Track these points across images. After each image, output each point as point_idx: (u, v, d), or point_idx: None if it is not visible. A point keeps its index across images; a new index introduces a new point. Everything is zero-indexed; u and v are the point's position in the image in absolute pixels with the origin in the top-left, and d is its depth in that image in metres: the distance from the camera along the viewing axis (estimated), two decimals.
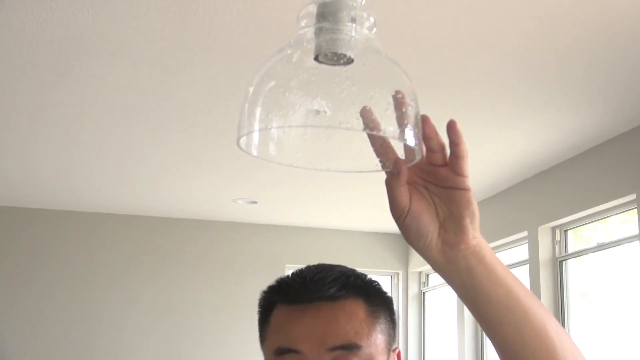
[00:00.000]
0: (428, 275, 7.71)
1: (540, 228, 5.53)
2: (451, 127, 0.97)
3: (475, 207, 1.01)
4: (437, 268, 1.03)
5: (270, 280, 1.39)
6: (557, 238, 5.55)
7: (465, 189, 0.99)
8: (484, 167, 5.43)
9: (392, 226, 7.35)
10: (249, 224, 7.43)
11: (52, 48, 3.64)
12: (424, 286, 7.80)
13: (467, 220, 1.00)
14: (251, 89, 0.96)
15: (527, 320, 1.03)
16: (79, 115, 4.59)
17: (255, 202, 6.66)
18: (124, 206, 7.00)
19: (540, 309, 1.06)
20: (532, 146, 5.02)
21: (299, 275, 1.32)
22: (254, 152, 0.99)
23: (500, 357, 1.07)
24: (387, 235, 7.68)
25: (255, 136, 0.99)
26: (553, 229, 5.55)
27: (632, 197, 4.61)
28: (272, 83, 0.95)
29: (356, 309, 1.29)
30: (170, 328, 7.13)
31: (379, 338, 1.30)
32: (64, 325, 6.91)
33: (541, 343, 1.04)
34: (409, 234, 1.02)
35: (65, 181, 6.17)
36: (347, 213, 7.04)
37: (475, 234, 1.01)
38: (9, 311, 6.84)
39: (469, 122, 4.56)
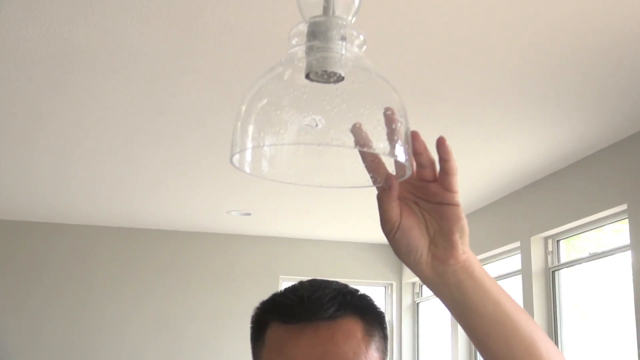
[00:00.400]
0: (422, 286, 7.72)
1: (532, 238, 5.55)
2: (440, 144, 0.98)
3: (464, 223, 1.02)
4: (426, 282, 1.05)
5: (264, 291, 1.39)
6: (550, 248, 5.56)
7: (455, 205, 1.01)
8: (476, 177, 5.45)
9: (385, 236, 7.37)
10: (243, 235, 7.44)
11: (48, 62, 3.65)
12: (418, 297, 7.81)
13: (457, 236, 1.02)
14: (243, 107, 0.97)
15: (515, 333, 1.05)
16: (74, 128, 4.60)
17: (249, 214, 6.67)
18: (119, 219, 7.01)
19: (529, 322, 1.08)
20: (524, 157, 5.04)
21: (295, 293, 1.32)
22: (247, 170, 1.01)
23: None
24: (381, 246, 7.69)
25: (248, 154, 1.01)
26: (545, 239, 5.57)
27: (624, 207, 4.64)
28: (264, 101, 0.96)
29: (353, 329, 1.29)
30: (167, 339, 7.14)
31: (374, 356, 1.31)
32: (62, 337, 6.92)
33: (530, 356, 1.05)
34: (399, 248, 1.04)
35: (60, 194, 6.18)
36: (340, 224, 7.05)
37: (464, 249, 1.03)
38: (8, 324, 6.82)
39: (461, 133, 4.58)
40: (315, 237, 7.52)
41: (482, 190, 5.77)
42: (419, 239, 1.02)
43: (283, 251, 7.53)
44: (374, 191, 1.05)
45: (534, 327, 1.08)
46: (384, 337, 1.36)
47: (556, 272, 5.53)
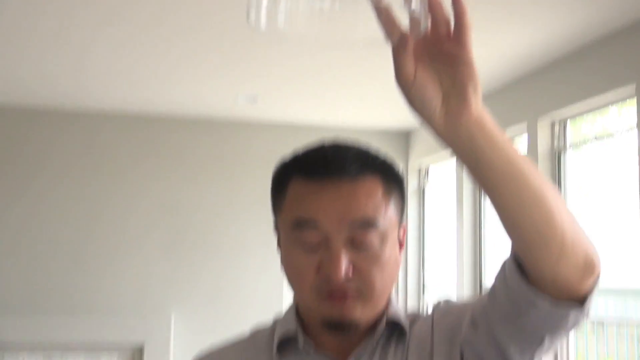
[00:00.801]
0: (428, 169, 7.75)
1: (539, 120, 5.55)
2: (456, 1, 1.00)
3: (477, 79, 1.05)
4: (440, 137, 1.08)
5: (268, 178, 1.43)
6: (556, 130, 5.58)
7: (469, 61, 1.04)
8: (484, 60, 5.42)
9: (392, 123, 7.38)
10: (250, 123, 7.44)
11: None
12: (424, 180, 7.82)
13: (470, 91, 1.05)
14: None
15: (526, 186, 1.09)
16: (71, 14, 4.56)
17: (256, 100, 6.66)
18: (125, 106, 6.99)
19: (540, 177, 1.11)
20: (533, 40, 5.00)
21: (319, 151, 1.38)
22: (263, 27, 1.02)
23: (501, 222, 1.13)
24: (387, 132, 7.70)
25: (263, 11, 1.01)
26: (552, 120, 5.58)
27: (632, 86, 4.63)
28: None
29: (375, 187, 1.34)
30: (172, 227, 7.21)
31: (392, 214, 1.36)
32: (64, 225, 6.97)
33: (539, 208, 1.09)
34: (414, 103, 1.06)
35: (66, 79, 6.14)
36: (347, 110, 7.05)
37: (477, 104, 1.06)
38: (9, 212, 6.89)
39: (471, 14, 4.53)
40: (322, 124, 7.51)
41: (489, 73, 5.74)
42: (433, 94, 1.05)
43: (290, 139, 7.52)
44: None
45: (545, 183, 1.12)
46: (402, 199, 1.41)
47: (562, 154, 5.56)
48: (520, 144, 5.98)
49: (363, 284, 1.30)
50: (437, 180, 7.62)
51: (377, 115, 7.09)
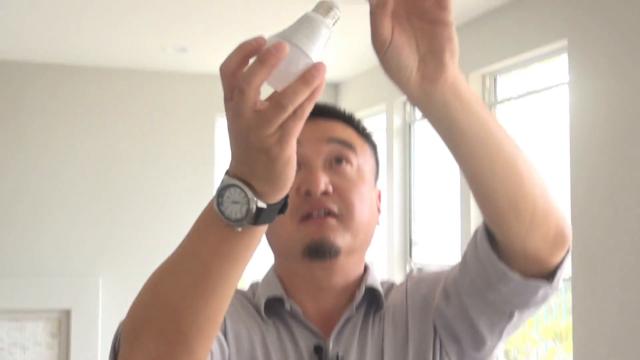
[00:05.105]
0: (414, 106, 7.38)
1: (470, 74, 5.57)
2: None
3: (456, 44, 1.04)
4: (414, 101, 1.06)
5: (201, 131, 1.43)
6: (487, 84, 5.62)
7: (448, 23, 1.02)
8: None
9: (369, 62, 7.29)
10: (178, 72, 7.29)
11: None
12: (410, 117, 7.00)
13: (447, 56, 1.03)
14: None
15: (499, 153, 1.08)
16: None
17: (184, 50, 6.52)
18: (51, 56, 6.76)
19: (513, 145, 1.11)
20: None
21: None
22: None
23: (471, 189, 1.12)
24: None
25: None
26: (483, 75, 5.61)
27: (564, 42, 4.67)
28: None
29: (349, 129, 1.42)
30: (100, 183, 7.03)
31: (368, 159, 1.40)
32: None
33: (512, 174, 1.09)
34: (390, 66, 1.03)
35: None
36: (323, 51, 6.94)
37: (454, 70, 1.04)
38: None
39: None
40: None
41: None
42: (409, 57, 1.02)
43: (220, 89, 7.40)
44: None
45: (517, 149, 1.12)
46: (376, 163, 1.48)
47: (492, 108, 5.61)
48: None
49: (342, 204, 1.33)
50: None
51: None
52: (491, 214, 1.12)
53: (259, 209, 0.94)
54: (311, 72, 0.87)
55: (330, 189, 1.32)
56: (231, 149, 0.95)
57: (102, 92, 7.16)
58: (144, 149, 7.18)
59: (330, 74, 7.14)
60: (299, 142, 1.30)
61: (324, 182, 1.32)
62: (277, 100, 0.88)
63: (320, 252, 1.32)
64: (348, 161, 1.36)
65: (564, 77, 4.76)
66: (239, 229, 0.95)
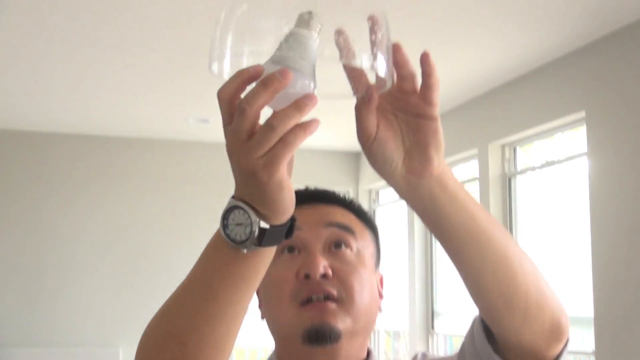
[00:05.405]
0: (378, 192, 7.76)
1: (490, 145, 5.59)
2: (424, 59, 0.98)
3: (441, 137, 1.03)
4: (401, 194, 1.05)
5: (221, 200, 1.43)
6: (507, 155, 5.62)
7: (433, 118, 1.02)
8: None
9: (342, 144, 7.37)
10: (200, 143, 7.37)
11: None
12: (375, 204, 7.86)
13: (433, 150, 1.02)
14: (223, 13, 0.94)
15: (489, 245, 1.06)
16: (30, 33, 4.48)
17: (206, 121, 6.61)
18: (75, 126, 6.88)
19: (503, 235, 1.08)
20: (483, 64, 5.04)
21: (302, 189, 1.42)
22: (226, 78, 0.99)
23: (464, 282, 1.10)
24: (338, 153, 7.70)
25: (227, 62, 0.98)
26: (503, 146, 5.62)
27: (582, 114, 4.68)
28: (244, 7, 0.94)
29: (348, 214, 1.41)
30: (122, 249, 7.07)
31: (368, 244, 1.40)
32: (16, 245, 6.82)
33: (503, 266, 1.06)
34: (375, 160, 1.03)
35: (17, 99, 6.03)
36: None
37: (440, 163, 1.03)
38: None
39: (419, 40, 4.55)
40: None
41: (440, 96, 5.75)
42: (394, 151, 1.02)
43: None
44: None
45: (507, 239, 1.09)
46: (377, 247, 1.46)
47: (513, 179, 5.61)
48: (471, 169, 6.02)
49: (342, 288, 1.31)
50: (388, 201, 7.63)
51: (328, 136, 7.07)
52: (483, 306, 1.09)
53: (262, 230, 0.94)
54: (303, 100, 0.89)
55: (330, 272, 1.31)
56: (232, 172, 0.97)
57: (126, 162, 7.24)
58: (165, 217, 7.22)
59: (352, 143, 7.24)
60: (298, 227, 1.31)
61: (322, 265, 1.30)
62: (268, 122, 0.89)
63: (321, 337, 1.29)
64: (347, 245, 1.34)
65: (583, 147, 4.76)
66: (244, 251, 0.95)
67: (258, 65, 0.90)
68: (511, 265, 1.06)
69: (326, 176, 7.74)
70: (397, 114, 1.02)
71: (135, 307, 6.93)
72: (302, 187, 1.43)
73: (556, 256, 5.26)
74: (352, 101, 1.02)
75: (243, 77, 0.90)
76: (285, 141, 0.89)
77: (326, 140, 7.31)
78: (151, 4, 4.06)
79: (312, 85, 0.91)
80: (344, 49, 0.92)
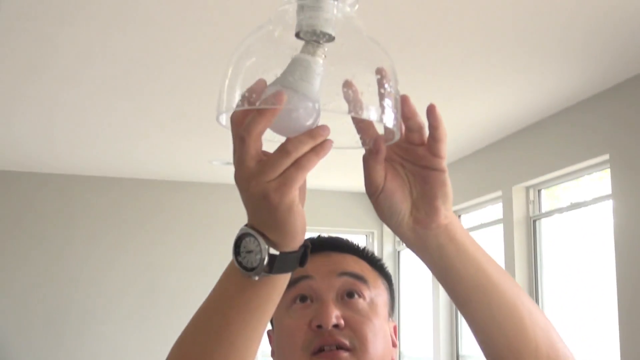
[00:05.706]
0: None
1: (514, 187, 5.57)
2: (431, 112, 0.98)
3: (449, 189, 1.02)
4: (408, 244, 1.05)
5: None
6: (531, 197, 5.59)
7: (441, 170, 1.01)
8: (459, 127, 5.45)
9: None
10: (225, 184, 7.41)
11: (31, 14, 3.59)
12: (399, 245, 7.84)
13: (440, 201, 1.01)
14: (231, 66, 0.95)
15: (497, 297, 1.04)
16: (58, 77, 4.55)
17: (230, 163, 6.63)
18: (100, 168, 6.96)
19: (512, 286, 1.07)
20: (507, 106, 5.03)
21: (315, 237, 1.42)
22: None
23: (473, 333, 1.08)
24: (362, 194, 7.68)
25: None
26: (527, 188, 5.60)
27: (606, 157, 4.66)
28: (252, 60, 0.95)
29: (361, 262, 1.40)
30: (146, 289, 7.11)
31: (381, 292, 1.38)
32: (40, 288, 6.88)
33: (512, 318, 1.05)
34: (382, 211, 1.03)
35: (42, 143, 6.12)
36: (322, 173, 7.04)
37: (447, 214, 1.02)
38: None
39: (442, 83, 4.57)
40: None
41: (465, 139, 5.77)
42: (401, 202, 1.02)
43: None
44: None
45: (516, 291, 1.07)
46: (391, 296, 1.44)
47: (537, 222, 5.57)
48: (496, 211, 5.98)
49: (355, 337, 1.29)
50: None
51: (351, 177, 7.08)
52: (491, 357, 1.07)
53: (272, 257, 0.94)
54: (317, 130, 0.90)
55: (342, 322, 1.30)
56: (242, 200, 0.96)
57: (151, 203, 7.30)
58: (189, 259, 7.26)
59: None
60: (311, 276, 1.31)
61: (335, 315, 1.29)
62: (282, 146, 0.91)
63: None
64: (360, 295, 1.34)
65: (608, 190, 4.72)
66: (256, 278, 0.95)
67: (261, 80, 0.91)
68: (520, 318, 1.05)
69: (351, 218, 7.75)
70: (405, 164, 1.03)
71: (159, 352, 6.91)
72: (315, 235, 1.43)
73: (581, 300, 5.20)
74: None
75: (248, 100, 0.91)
76: (299, 164, 0.91)
77: (351, 182, 7.32)
78: (173, 49, 4.11)
79: (315, 106, 0.91)
80: (352, 101, 0.92)
